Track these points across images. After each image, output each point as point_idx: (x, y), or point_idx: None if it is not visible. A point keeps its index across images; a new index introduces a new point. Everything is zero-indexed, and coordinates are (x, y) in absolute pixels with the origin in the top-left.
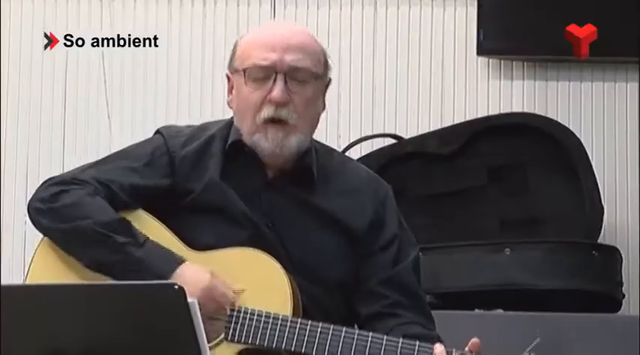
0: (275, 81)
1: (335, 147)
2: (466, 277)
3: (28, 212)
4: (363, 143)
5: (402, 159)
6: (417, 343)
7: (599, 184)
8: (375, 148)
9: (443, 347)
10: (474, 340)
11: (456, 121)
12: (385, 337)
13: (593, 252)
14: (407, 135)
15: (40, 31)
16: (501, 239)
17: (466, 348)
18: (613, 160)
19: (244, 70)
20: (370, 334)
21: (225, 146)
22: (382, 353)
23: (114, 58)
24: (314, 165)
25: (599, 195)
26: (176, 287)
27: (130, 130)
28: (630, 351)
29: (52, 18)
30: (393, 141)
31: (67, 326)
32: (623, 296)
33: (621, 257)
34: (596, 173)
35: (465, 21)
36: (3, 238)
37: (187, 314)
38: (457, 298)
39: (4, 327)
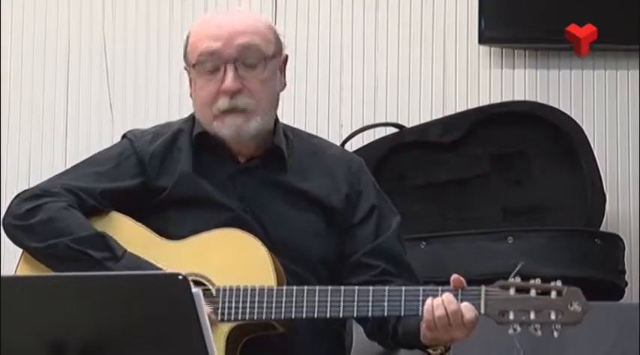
0: (225, 71)
1: (337, 136)
2: (469, 266)
3: (3, 227)
4: (365, 132)
5: (403, 148)
6: (404, 288)
7: (601, 172)
8: (376, 137)
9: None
10: (455, 276)
11: (458, 110)
12: (371, 288)
13: (596, 240)
14: (409, 124)
15: (41, 21)
16: (504, 227)
17: (450, 286)
18: (615, 148)
19: (194, 65)
20: (356, 288)
21: (192, 138)
22: (370, 302)
23: (116, 48)
24: (284, 145)
25: (601, 183)
26: (180, 277)
27: (132, 122)
28: (633, 339)
29: (53, 10)
30: (394, 130)
31: (70, 317)
32: (626, 284)
33: (624, 244)
34: (597, 161)
35: (466, 9)
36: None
37: (192, 304)
38: None
39: (7, 319)
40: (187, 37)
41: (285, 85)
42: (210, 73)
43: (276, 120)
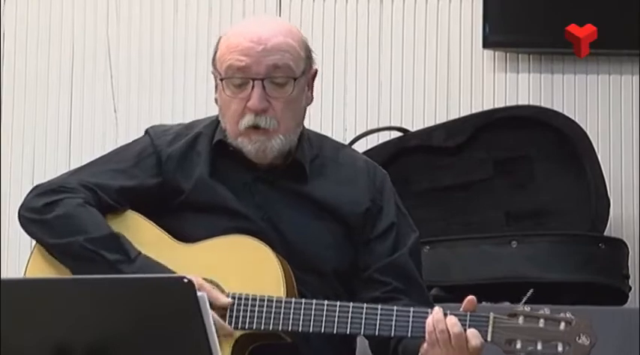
0: (253, 88)
1: (341, 139)
2: (473, 270)
3: (19, 220)
4: (369, 136)
5: (407, 152)
6: (412, 309)
7: (605, 177)
8: (380, 141)
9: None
10: (469, 297)
11: (462, 114)
12: (380, 306)
13: (600, 245)
14: (413, 128)
15: (45, 24)
16: (507, 232)
17: (461, 308)
18: (619, 152)
19: (221, 79)
20: (365, 305)
21: (212, 144)
22: (378, 321)
23: (120, 51)
24: (306, 159)
25: (605, 188)
26: (185, 280)
27: (136, 125)
28: (636, 343)
29: (57, 13)
30: (398, 134)
31: (75, 320)
32: (630, 288)
33: (628, 249)
34: (601, 165)
35: (470, 14)
36: (6, 238)
37: (197, 308)
38: (464, 291)
39: (11, 323)
40: (218, 43)
41: (312, 99)
42: (237, 87)
43: (302, 132)
